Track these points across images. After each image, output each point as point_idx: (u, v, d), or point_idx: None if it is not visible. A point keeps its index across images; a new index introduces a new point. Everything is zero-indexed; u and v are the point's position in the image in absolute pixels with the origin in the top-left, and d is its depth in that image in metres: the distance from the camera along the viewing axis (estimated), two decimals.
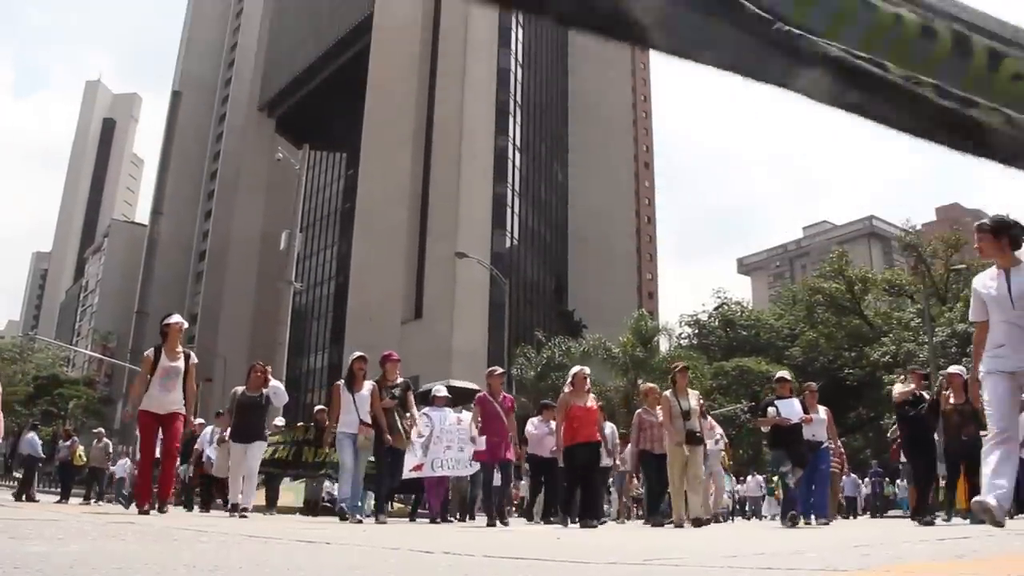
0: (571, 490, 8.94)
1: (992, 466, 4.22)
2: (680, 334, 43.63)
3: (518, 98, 62.64)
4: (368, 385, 8.11)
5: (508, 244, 57.81)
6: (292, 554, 2.95)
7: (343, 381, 8.20)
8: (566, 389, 8.59)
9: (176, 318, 7.36)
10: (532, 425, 10.67)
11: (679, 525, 8.40)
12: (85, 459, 17.00)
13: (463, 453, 9.52)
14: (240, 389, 8.71)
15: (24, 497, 14.75)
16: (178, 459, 8.13)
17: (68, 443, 17.26)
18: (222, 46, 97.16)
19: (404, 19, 64.09)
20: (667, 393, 8.84)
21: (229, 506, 8.45)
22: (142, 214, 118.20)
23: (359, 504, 8.09)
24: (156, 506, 6.95)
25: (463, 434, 9.30)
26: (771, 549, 3.43)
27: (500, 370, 8.99)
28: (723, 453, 12.94)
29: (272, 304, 45.63)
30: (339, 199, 78.03)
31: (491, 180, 57.80)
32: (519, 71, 63.74)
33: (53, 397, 51.78)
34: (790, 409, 8.38)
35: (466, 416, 9.60)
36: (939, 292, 36.02)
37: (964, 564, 2.15)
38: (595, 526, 8.02)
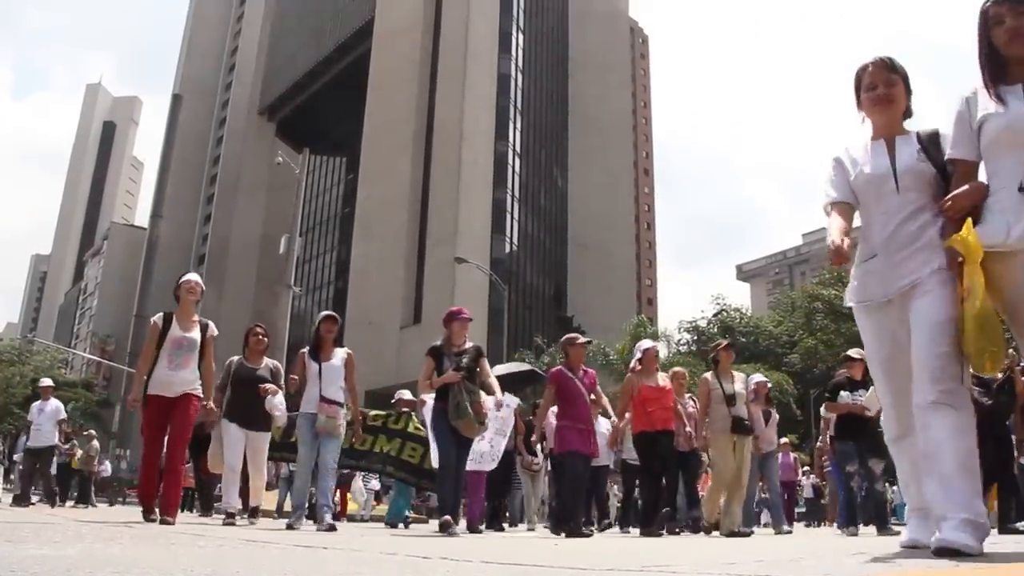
0: (648, 489, 7.38)
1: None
2: (679, 340, 43.74)
3: (518, 104, 62.82)
4: (340, 353, 6.62)
5: (507, 249, 57.92)
6: (289, 559, 2.95)
7: (307, 349, 6.61)
8: (635, 367, 7.34)
9: (192, 276, 6.04)
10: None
11: (711, 529, 7.13)
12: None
13: (490, 444, 7.93)
14: (236, 359, 7.05)
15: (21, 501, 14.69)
16: (186, 454, 6.48)
17: (67, 446, 17.18)
18: (223, 50, 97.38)
19: (405, 24, 64.28)
20: (707, 375, 7.35)
21: (224, 510, 6.76)
22: (142, 217, 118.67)
23: (328, 506, 6.38)
24: (160, 516, 5.44)
25: (494, 423, 7.66)
26: (770, 557, 3.43)
27: (583, 339, 7.07)
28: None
29: (271, 308, 45.63)
30: (339, 203, 78.14)
31: (491, 185, 57.96)
32: (519, 77, 63.93)
33: None
34: (870, 398, 7.07)
35: (507, 400, 8.05)
36: None
37: (962, 572, 2.14)
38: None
